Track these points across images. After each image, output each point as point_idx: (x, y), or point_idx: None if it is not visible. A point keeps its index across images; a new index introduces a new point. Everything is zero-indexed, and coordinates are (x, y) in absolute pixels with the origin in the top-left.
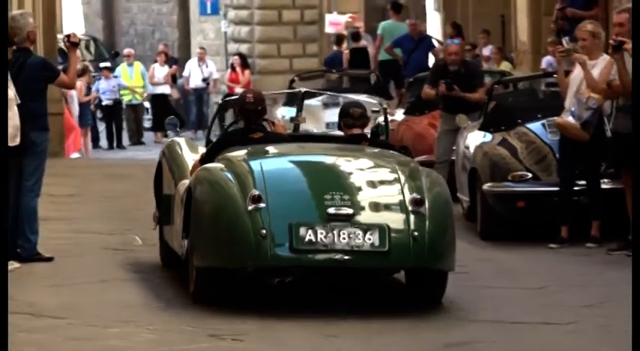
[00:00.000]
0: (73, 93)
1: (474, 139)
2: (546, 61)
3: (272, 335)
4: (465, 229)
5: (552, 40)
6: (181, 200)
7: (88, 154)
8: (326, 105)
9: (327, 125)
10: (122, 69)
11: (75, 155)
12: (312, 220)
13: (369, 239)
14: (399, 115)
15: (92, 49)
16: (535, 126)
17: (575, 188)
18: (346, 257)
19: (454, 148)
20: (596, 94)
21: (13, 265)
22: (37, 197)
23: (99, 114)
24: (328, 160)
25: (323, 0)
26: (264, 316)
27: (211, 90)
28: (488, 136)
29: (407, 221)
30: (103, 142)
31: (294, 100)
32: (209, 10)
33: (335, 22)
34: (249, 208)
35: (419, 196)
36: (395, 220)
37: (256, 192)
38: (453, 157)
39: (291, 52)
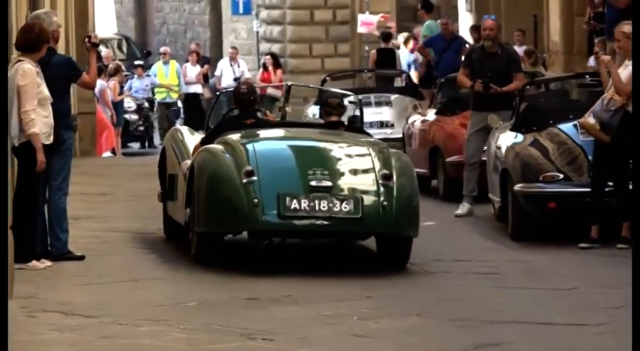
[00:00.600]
0: (108, 92)
1: (506, 139)
2: (592, 60)
3: (301, 335)
4: (496, 229)
5: (601, 39)
6: (184, 176)
7: (119, 153)
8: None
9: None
10: (158, 67)
11: (107, 154)
12: (297, 192)
13: (345, 208)
14: (431, 115)
15: (124, 48)
16: (567, 127)
17: (607, 189)
18: (325, 222)
19: (484, 148)
20: (619, 95)
21: (44, 263)
22: (66, 196)
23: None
24: (310, 142)
25: (355, 0)
26: (294, 315)
27: None
28: (520, 137)
29: (377, 193)
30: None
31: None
32: (241, 10)
33: (367, 21)
34: (244, 181)
35: (388, 172)
36: (367, 191)
37: (249, 167)
38: (484, 158)
39: (323, 52)
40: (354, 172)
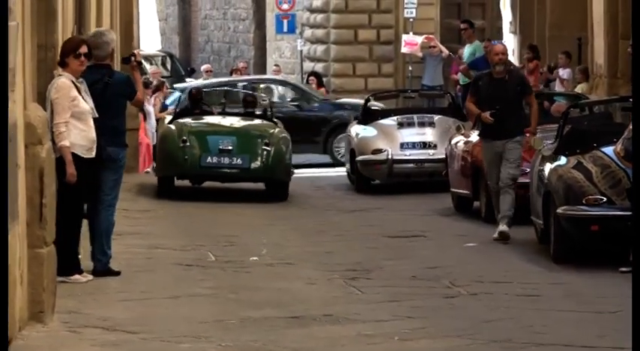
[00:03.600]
0: (150, 109)
1: (549, 161)
2: None
3: None
4: (538, 252)
5: None
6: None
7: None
8: (401, 125)
9: (402, 146)
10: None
11: (148, 170)
12: (211, 152)
13: (240, 162)
14: (474, 136)
15: (168, 65)
16: (610, 150)
17: None
18: (227, 170)
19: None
20: None
21: (87, 277)
22: (115, 212)
23: None
24: (226, 122)
25: (399, 20)
26: (335, 334)
27: None
28: (563, 160)
29: (261, 154)
30: None
31: (367, 119)
32: (285, 29)
33: (411, 42)
34: (180, 145)
35: (268, 141)
36: (255, 153)
37: (184, 136)
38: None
39: (367, 72)
40: (249, 141)
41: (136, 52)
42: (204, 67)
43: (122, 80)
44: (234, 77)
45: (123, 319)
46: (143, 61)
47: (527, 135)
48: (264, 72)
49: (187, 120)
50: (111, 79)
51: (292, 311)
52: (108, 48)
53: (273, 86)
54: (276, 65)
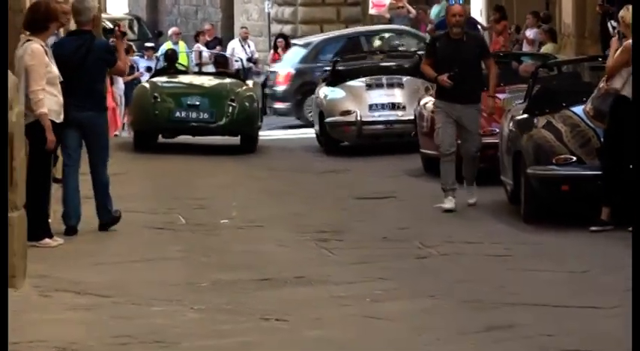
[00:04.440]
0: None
1: (519, 121)
2: None
3: (314, 316)
4: (508, 212)
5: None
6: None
7: (131, 133)
8: (369, 86)
9: (371, 107)
10: (167, 48)
11: (116, 133)
12: (182, 107)
13: (206, 116)
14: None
15: (135, 28)
16: (579, 109)
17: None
18: (194, 124)
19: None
20: (607, 81)
21: (57, 241)
22: (107, 170)
23: None
24: (197, 81)
25: None
26: (307, 296)
27: (254, 69)
28: (533, 119)
29: (226, 110)
30: None
31: (335, 81)
32: None
33: (378, 3)
34: (152, 101)
35: (234, 97)
36: (220, 108)
37: (156, 93)
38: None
39: None
40: (215, 97)
41: (120, 23)
42: (172, 30)
43: (103, 46)
44: (353, 29)
45: (94, 283)
46: (109, 23)
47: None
48: (231, 35)
49: (161, 78)
50: (93, 44)
51: (263, 273)
52: (90, 14)
53: (395, 35)
54: (243, 27)
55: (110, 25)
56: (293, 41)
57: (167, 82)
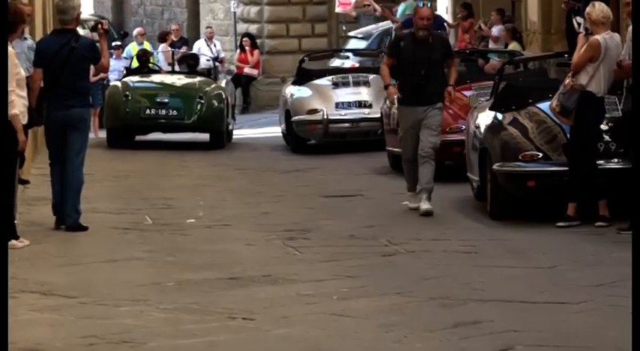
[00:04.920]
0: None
1: (485, 118)
2: None
3: (281, 314)
4: (475, 208)
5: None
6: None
7: (97, 133)
8: (336, 84)
9: (337, 105)
10: (132, 49)
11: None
12: (152, 105)
13: (175, 114)
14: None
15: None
16: (545, 106)
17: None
18: (163, 121)
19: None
20: (573, 77)
21: (23, 242)
22: (83, 168)
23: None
24: (169, 79)
25: None
26: (274, 295)
27: (220, 69)
28: (499, 116)
29: (195, 107)
30: None
31: (302, 79)
32: None
33: (344, 2)
34: (123, 99)
35: (202, 94)
36: (189, 106)
37: (127, 92)
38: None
39: (301, 32)
40: (184, 95)
41: (102, 21)
42: (136, 31)
43: (87, 44)
44: None
45: (61, 284)
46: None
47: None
48: (197, 35)
49: (133, 78)
50: (77, 43)
51: (230, 272)
52: (74, 12)
53: None
54: (209, 27)
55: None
56: (350, 34)
57: (139, 81)
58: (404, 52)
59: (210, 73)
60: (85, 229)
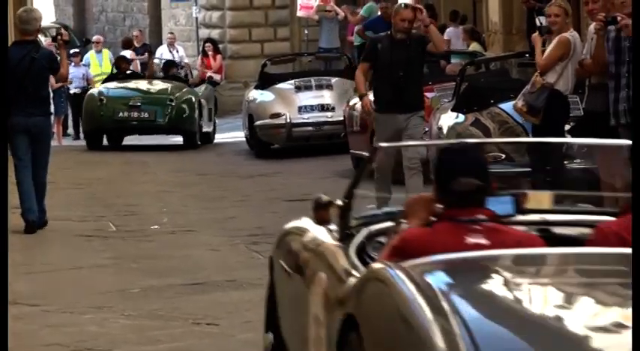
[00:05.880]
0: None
1: (447, 120)
2: None
3: (246, 319)
4: None
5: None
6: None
7: (61, 141)
8: (298, 88)
9: (300, 109)
10: (90, 57)
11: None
12: (123, 108)
13: (147, 116)
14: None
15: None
16: (508, 106)
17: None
18: (135, 123)
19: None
20: (541, 75)
21: None
22: (47, 173)
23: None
24: (143, 84)
25: None
26: (238, 300)
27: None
28: (461, 117)
29: (165, 109)
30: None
31: (265, 84)
32: None
33: (306, 5)
34: (98, 103)
35: (173, 97)
36: (161, 108)
37: (102, 97)
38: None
39: (263, 37)
40: (156, 99)
41: (63, 32)
42: (94, 39)
43: (47, 55)
44: None
45: (24, 292)
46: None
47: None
48: (159, 41)
49: (109, 84)
50: (37, 53)
51: (195, 278)
52: (36, 24)
53: None
54: (170, 33)
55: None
56: None
57: (114, 87)
58: (381, 54)
59: (188, 79)
60: (46, 223)
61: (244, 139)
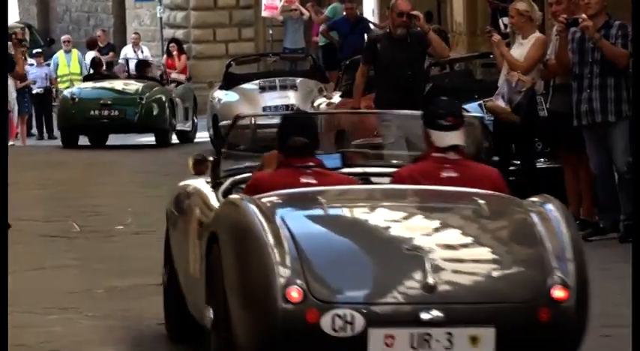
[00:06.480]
0: (10, 81)
1: None
2: None
3: None
4: None
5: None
6: None
7: (25, 142)
8: (263, 89)
9: (264, 109)
10: (59, 56)
11: (10, 143)
12: (94, 107)
13: (117, 113)
14: (336, 98)
15: (27, 36)
16: (472, 107)
17: (512, 168)
18: (106, 121)
19: None
20: (524, 75)
21: None
22: None
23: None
24: (117, 84)
25: None
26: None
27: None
28: None
29: (136, 108)
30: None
31: (229, 84)
32: None
33: (270, 5)
34: (71, 102)
35: (142, 96)
36: (130, 106)
37: (75, 96)
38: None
39: (227, 37)
40: (127, 97)
41: (18, 31)
42: (63, 38)
43: None
44: None
45: None
46: None
47: None
48: (124, 41)
49: (82, 85)
50: None
51: (159, 278)
52: None
53: None
54: (135, 33)
55: None
56: None
57: (87, 87)
58: (381, 55)
59: (163, 79)
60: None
61: (209, 139)
